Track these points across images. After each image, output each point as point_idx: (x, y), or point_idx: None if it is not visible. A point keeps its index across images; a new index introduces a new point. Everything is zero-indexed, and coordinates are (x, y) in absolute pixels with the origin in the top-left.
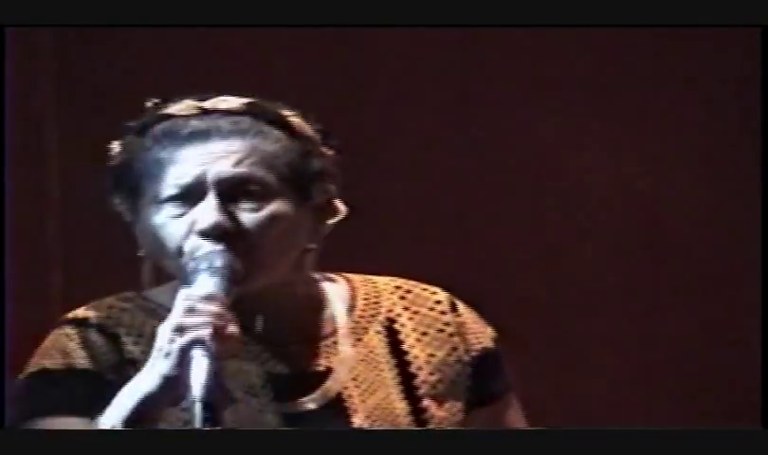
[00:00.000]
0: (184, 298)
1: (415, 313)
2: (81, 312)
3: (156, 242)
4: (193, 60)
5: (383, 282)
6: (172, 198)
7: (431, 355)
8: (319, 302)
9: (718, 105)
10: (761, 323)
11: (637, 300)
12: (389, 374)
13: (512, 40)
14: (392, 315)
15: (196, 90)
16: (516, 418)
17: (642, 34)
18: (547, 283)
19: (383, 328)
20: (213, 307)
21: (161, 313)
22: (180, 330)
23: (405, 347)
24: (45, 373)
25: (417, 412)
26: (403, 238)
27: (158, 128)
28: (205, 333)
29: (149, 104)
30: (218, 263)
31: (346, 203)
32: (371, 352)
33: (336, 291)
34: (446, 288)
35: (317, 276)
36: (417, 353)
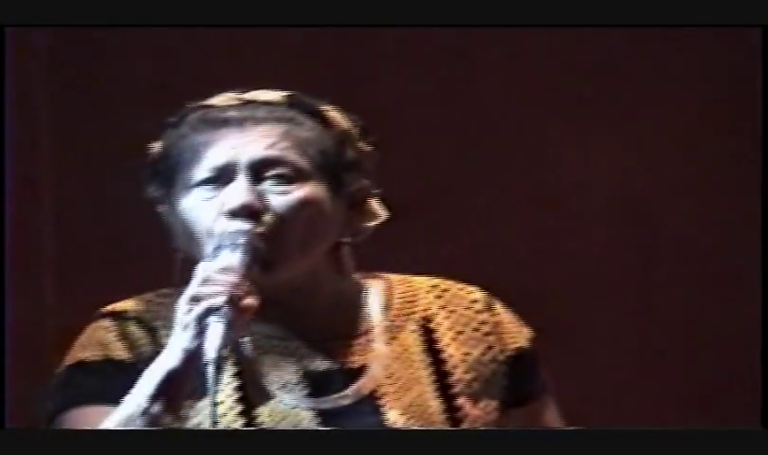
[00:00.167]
0: (201, 270)
1: (451, 312)
2: (119, 305)
3: (188, 227)
4: (190, 59)
5: (420, 281)
6: (204, 182)
7: (467, 354)
8: (355, 301)
9: (715, 104)
10: (761, 323)
11: (634, 299)
12: (424, 372)
13: (511, 39)
14: (428, 313)
15: (191, 90)
16: (552, 419)
17: (641, 33)
18: (544, 283)
19: (419, 327)
20: (230, 278)
21: None
22: (196, 300)
23: (440, 345)
24: (82, 364)
25: (451, 410)
26: (400, 236)
27: (195, 116)
28: (219, 301)
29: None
30: (241, 240)
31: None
32: (406, 350)
33: (372, 290)
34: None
35: (354, 275)
36: (452, 351)
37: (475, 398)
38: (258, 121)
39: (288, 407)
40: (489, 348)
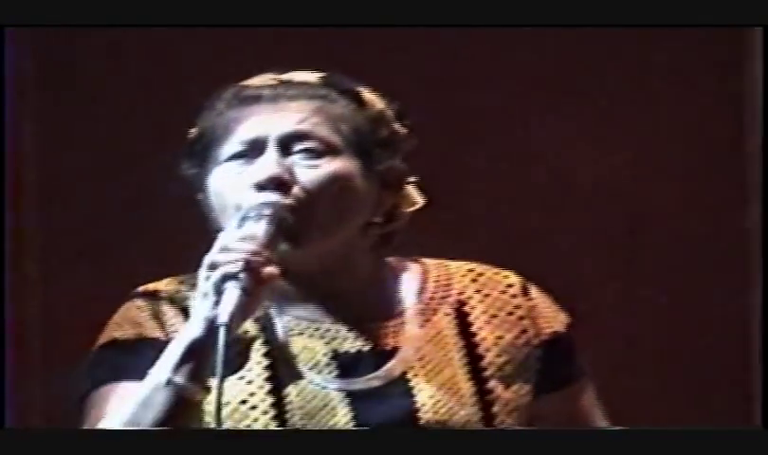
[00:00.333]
0: (221, 238)
1: (486, 296)
2: (152, 285)
3: (219, 201)
4: (186, 59)
5: (456, 265)
6: (234, 156)
7: (499, 338)
8: (388, 284)
9: (700, 98)
10: (761, 323)
11: (619, 288)
12: (456, 355)
13: (498, 37)
14: (463, 297)
15: (185, 89)
16: (588, 405)
17: (626, 29)
18: (529, 275)
19: (453, 310)
20: (248, 246)
21: None
22: (213, 267)
23: (473, 329)
24: (115, 343)
25: (483, 393)
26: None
27: (229, 94)
28: (236, 268)
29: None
30: (267, 211)
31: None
32: (439, 333)
33: (407, 273)
34: None
35: (390, 259)
36: (485, 335)
37: (507, 382)
38: (291, 98)
39: (318, 387)
40: (523, 332)
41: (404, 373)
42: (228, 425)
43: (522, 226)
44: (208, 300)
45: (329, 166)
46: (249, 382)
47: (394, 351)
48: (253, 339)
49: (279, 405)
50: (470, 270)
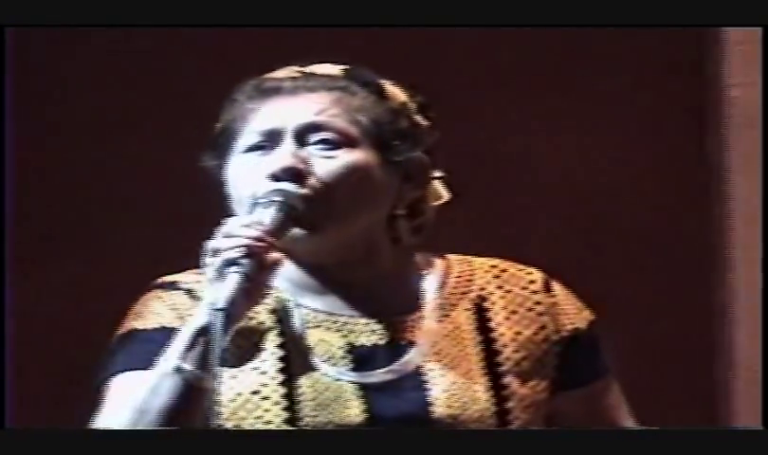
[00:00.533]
0: (225, 224)
1: (507, 292)
2: (171, 276)
3: (236, 192)
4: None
5: (479, 261)
6: (252, 147)
7: (518, 333)
8: (409, 278)
9: (666, 94)
10: (761, 322)
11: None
12: (473, 350)
13: (472, 36)
14: (484, 293)
15: (174, 88)
16: (612, 404)
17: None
18: None
19: (473, 305)
20: (251, 231)
21: None
22: (215, 253)
23: (492, 325)
24: (134, 332)
25: (498, 388)
26: None
27: (250, 86)
28: (237, 253)
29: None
30: (276, 198)
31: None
32: (457, 328)
33: (429, 268)
34: None
35: (415, 254)
36: (504, 330)
37: (524, 377)
38: (310, 90)
39: (331, 379)
40: (542, 328)
41: (419, 368)
42: (240, 415)
43: (480, 221)
44: (212, 287)
45: (346, 157)
46: (263, 373)
47: (411, 345)
48: (268, 330)
49: (290, 396)
50: (494, 266)
